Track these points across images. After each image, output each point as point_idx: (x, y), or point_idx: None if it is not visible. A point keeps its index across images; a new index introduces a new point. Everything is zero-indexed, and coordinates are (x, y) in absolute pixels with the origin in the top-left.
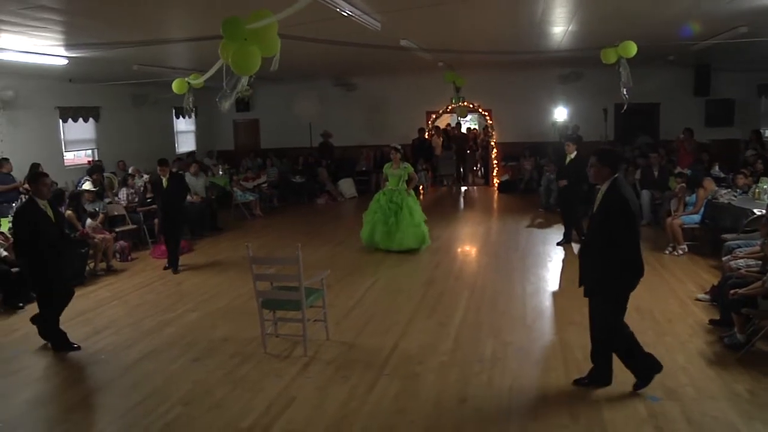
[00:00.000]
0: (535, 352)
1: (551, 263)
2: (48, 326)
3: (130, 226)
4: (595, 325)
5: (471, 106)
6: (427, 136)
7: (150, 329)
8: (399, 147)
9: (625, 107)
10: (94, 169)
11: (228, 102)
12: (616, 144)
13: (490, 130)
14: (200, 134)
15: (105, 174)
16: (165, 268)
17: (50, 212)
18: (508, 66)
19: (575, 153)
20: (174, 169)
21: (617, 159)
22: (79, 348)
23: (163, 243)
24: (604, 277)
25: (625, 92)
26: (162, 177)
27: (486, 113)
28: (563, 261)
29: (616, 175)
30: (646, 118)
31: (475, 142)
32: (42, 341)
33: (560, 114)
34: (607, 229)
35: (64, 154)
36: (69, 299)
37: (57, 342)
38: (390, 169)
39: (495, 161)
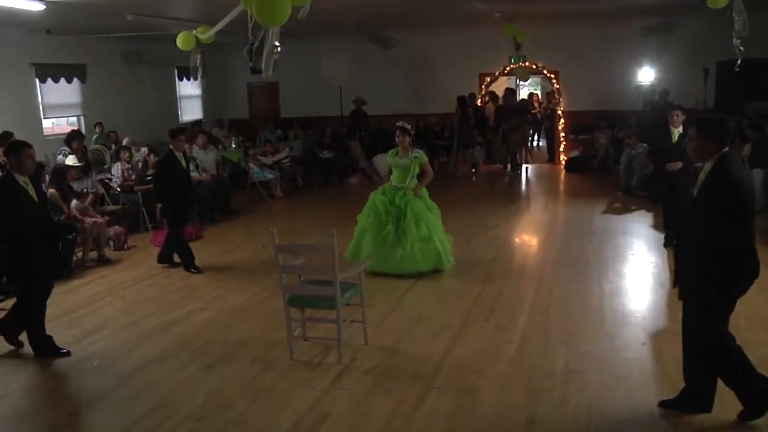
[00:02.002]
0: (619, 366)
1: (633, 257)
2: (31, 328)
3: (112, 207)
4: (690, 335)
5: (534, 67)
6: (479, 104)
7: (153, 330)
8: (408, 126)
9: (738, 63)
10: (72, 138)
11: (263, 63)
12: (717, 112)
13: (556, 96)
14: (208, 100)
15: (93, 146)
16: (191, 268)
17: (32, 191)
18: (579, 17)
19: (682, 126)
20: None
21: (725, 131)
22: (68, 353)
23: (166, 234)
24: (707, 277)
25: (739, 44)
26: (176, 152)
27: (551, 75)
28: (653, 256)
29: (724, 151)
30: (759, 78)
31: (530, 111)
32: (14, 346)
33: (645, 75)
34: (712, 218)
35: (43, 120)
36: (47, 296)
37: (42, 347)
38: (395, 158)
39: (562, 134)
